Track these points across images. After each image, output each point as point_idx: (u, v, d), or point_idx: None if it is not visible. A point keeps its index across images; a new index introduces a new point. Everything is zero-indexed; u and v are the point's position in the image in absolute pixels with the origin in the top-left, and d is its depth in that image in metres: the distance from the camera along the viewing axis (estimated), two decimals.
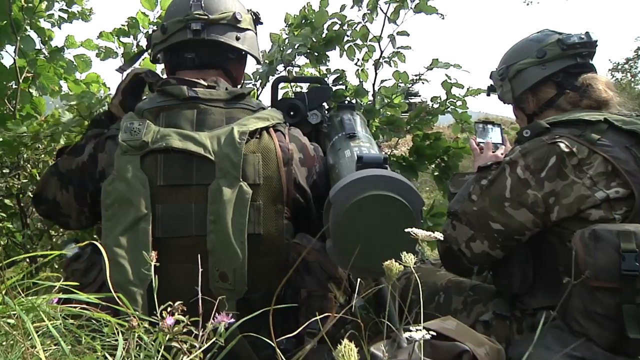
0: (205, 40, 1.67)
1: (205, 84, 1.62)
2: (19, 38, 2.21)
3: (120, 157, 1.41)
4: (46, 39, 2.34)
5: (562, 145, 1.58)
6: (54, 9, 2.35)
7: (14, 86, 2.32)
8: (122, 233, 1.35)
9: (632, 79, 11.79)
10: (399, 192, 1.32)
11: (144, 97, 1.74)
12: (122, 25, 2.28)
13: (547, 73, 1.85)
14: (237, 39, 1.73)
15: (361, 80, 2.66)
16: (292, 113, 2.04)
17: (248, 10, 1.81)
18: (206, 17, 1.65)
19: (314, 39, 2.28)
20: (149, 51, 1.81)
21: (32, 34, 2.31)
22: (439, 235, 0.89)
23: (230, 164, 1.43)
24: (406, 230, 0.99)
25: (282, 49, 2.22)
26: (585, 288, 1.41)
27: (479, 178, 1.75)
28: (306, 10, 2.42)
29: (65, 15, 2.36)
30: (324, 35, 2.41)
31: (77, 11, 2.37)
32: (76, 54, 2.37)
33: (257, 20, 1.85)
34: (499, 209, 1.66)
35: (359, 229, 1.31)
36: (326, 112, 2.16)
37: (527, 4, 17.01)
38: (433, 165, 2.67)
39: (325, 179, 1.68)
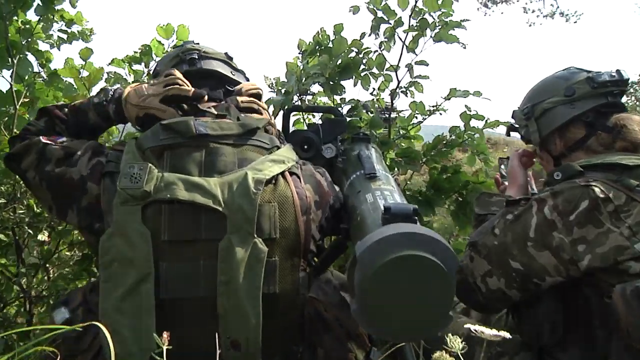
0: (202, 72, 1.59)
1: (215, 112, 1.48)
2: (15, 61, 2.08)
3: (119, 208, 1.25)
4: (44, 61, 2.21)
5: (596, 189, 1.46)
6: (52, 29, 2.23)
7: (11, 111, 2.18)
8: (123, 296, 1.20)
9: (637, 103, 11.69)
10: (433, 251, 1.19)
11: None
12: (135, 52, 2.17)
13: (577, 112, 1.72)
14: (232, 74, 1.67)
15: (369, 110, 2.53)
16: (305, 147, 1.92)
17: None
18: (200, 49, 1.62)
19: (332, 65, 2.15)
20: None
21: (30, 57, 2.18)
22: (506, 335, 0.75)
23: (243, 218, 1.28)
24: (471, 327, 0.85)
25: (300, 79, 2.09)
26: (625, 348, 1.32)
27: (505, 212, 1.63)
28: (320, 36, 2.30)
29: (64, 36, 2.24)
30: (339, 62, 2.29)
31: (77, 31, 2.24)
32: (76, 77, 2.25)
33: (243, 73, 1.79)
34: (521, 247, 1.54)
35: (388, 292, 1.17)
36: (340, 143, 2.04)
37: (530, 25, 16.97)
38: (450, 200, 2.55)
39: (337, 214, 1.55)
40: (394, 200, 1.50)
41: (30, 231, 2.20)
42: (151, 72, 2.18)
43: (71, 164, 1.38)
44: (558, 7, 16.35)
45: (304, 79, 2.09)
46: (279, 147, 1.50)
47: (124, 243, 1.23)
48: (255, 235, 1.27)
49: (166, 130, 1.38)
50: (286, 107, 2.16)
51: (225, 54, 1.71)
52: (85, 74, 2.27)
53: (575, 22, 16.54)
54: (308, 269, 1.44)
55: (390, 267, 1.16)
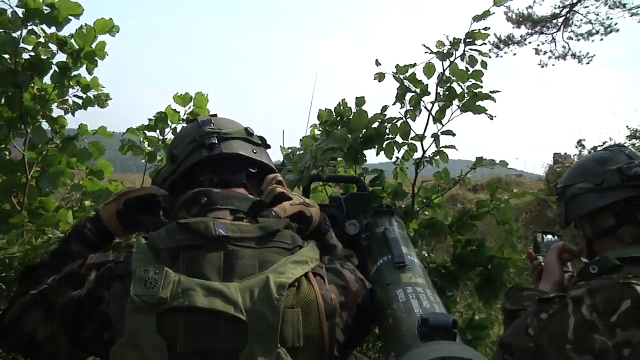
0: (223, 157, 1.49)
1: (230, 217, 1.38)
2: (29, 130, 2.01)
3: (132, 316, 1.13)
4: (58, 128, 2.14)
5: (638, 288, 1.35)
6: (68, 94, 2.16)
7: (22, 179, 2.09)
8: None
9: None
10: None
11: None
12: (150, 119, 2.10)
13: (604, 203, 1.65)
14: (254, 152, 1.57)
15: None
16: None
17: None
18: (219, 130, 1.52)
19: (350, 140, 2.07)
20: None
21: (44, 124, 2.11)
22: None
23: (266, 327, 1.16)
24: None
25: (315, 156, 2.00)
26: None
27: (539, 310, 1.51)
28: (341, 107, 2.22)
29: (80, 101, 2.17)
30: (362, 133, 2.21)
31: (93, 96, 2.17)
32: (90, 142, 2.17)
33: (264, 143, 1.68)
34: (559, 350, 1.42)
35: None
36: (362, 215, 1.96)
37: (542, 67, 17.03)
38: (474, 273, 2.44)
39: (365, 311, 1.43)
40: (428, 301, 1.39)
41: None
42: (166, 140, 2.10)
43: (75, 285, 1.25)
44: (570, 49, 16.41)
45: (321, 154, 1.99)
46: (301, 247, 1.39)
47: (137, 356, 1.12)
48: (279, 345, 1.17)
49: (183, 230, 1.27)
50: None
51: (246, 129, 1.62)
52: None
53: (588, 63, 16.58)
54: None
55: None
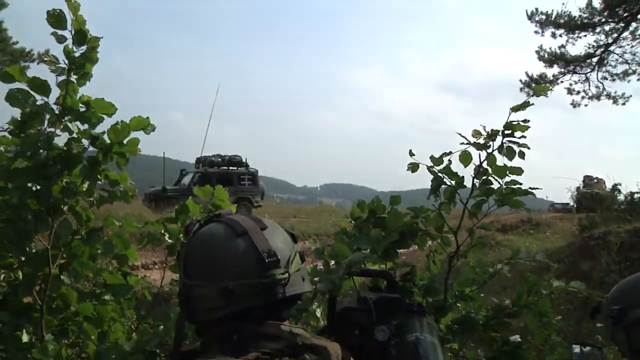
0: (285, 299, 1.36)
1: None
2: (55, 223, 1.97)
3: None
4: (84, 221, 2.09)
5: None
6: (95, 187, 2.12)
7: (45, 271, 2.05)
8: None
9: None
10: None
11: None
12: (170, 211, 2.05)
13: None
14: (303, 279, 1.43)
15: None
16: (357, 332, 1.74)
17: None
18: (287, 274, 1.34)
19: (386, 243, 1.99)
20: None
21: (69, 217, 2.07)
22: None
23: None
24: None
25: (350, 263, 1.92)
26: None
27: None
28: (375, 204, 2.14)
29: (106, 194, 2.13)
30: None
31: (119, 190, 2.13)
32: (115, 233, 2.13)
33: (293, 237, 1.51)
34: None
35: None
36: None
37: (575, 107, 16.73)
38: None
39: None
40: None
41: None
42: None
43: None
44: (604, 89, 16.12)
45: (354, 256, 1.91)
46: None
47: None
48: None
49: None
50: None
51: (301, 255, 1.47)
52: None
53: (624, 104, 16.25)
54: None
55: None
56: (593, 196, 21.84)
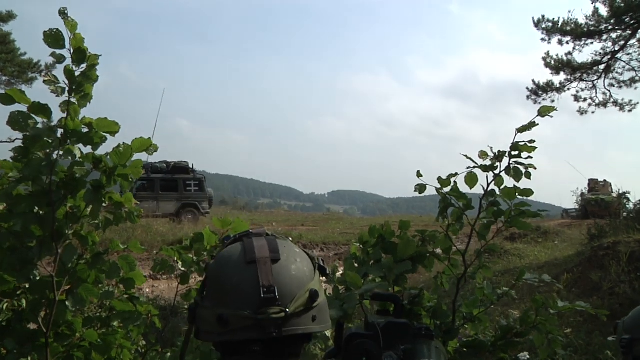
0: (281, 338, 1.29)
1: None
2: (60, 249, 1.96)
3: None
4: (89, 246, 2.08)
5: None
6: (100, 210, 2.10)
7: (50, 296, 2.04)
8: None
9: None
10: None
11: None
12: (185, 239, 2.03)
13: None
14: (314, 319, 1.35)
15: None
16: (364, 359, 1.72)
17: (312, 258, 1.43)
18: (284, 313, 1.28)
19: (398, 271, 1.97)
20: None
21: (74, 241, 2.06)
22: None
23: None
24: None
25: (363, 294, 1.90)
26: None
27: None
28: (384, 229, 2.12)
29: (111, 217, 2.11)
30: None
31: (125, 212, 2.11)
32: (121, 256, 2.12)
33: (322, 271, 1.43)
34: None
35: None
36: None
37: (582, 114, 16.62)
38: None
39: None
40: None
41: None
42: (202, 263, 2.03)
43: None
44: (611, 96, 16.03)
45: (366, 286, 1.90)
46: None
47: None
48: None
49: None
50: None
51: (310, 295, 1.35)
52: None
53: (630, 111, 16.15)
54: None
55: None
56: (598, 202, 21.71)
